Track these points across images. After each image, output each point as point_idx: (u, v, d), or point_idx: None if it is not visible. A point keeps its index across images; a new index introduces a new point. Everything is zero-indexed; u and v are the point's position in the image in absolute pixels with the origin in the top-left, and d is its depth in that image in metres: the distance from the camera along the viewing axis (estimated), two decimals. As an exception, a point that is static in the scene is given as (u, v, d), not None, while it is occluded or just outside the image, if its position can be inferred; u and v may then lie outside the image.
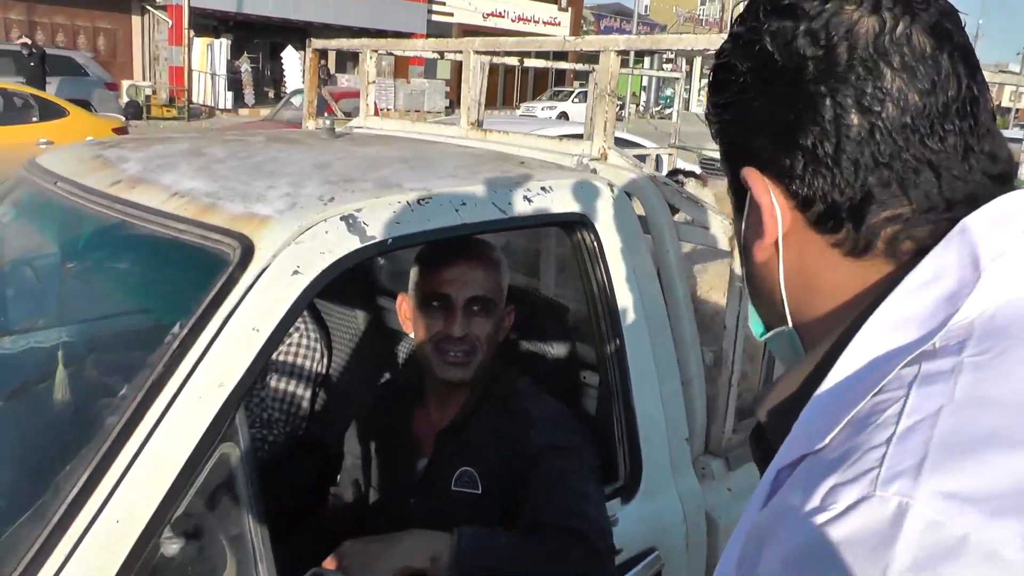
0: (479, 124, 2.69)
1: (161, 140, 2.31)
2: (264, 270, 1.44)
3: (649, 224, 2.15)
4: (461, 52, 2.70)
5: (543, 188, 1.91)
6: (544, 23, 39.32)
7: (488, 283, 1.90)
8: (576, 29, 40.31)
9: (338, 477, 2.20)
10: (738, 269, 2.07)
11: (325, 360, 2.89)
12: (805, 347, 0.81)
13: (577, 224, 1.96)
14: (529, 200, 1.87)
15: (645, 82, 40.32)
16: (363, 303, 2.87)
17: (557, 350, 2.31)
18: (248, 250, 1.46)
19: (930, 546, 0.53)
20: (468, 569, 1.57)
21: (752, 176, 0.77)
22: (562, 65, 5.27)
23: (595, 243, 1.96)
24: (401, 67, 31.19)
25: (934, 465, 0.56)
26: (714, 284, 2.73)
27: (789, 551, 0.59)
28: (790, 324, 0.81)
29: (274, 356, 2.51)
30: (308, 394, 2.83)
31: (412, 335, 1.99)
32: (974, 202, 0.70)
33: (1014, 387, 0.60)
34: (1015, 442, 0.57)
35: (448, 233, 1.71)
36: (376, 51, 3.13)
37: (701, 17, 47.24)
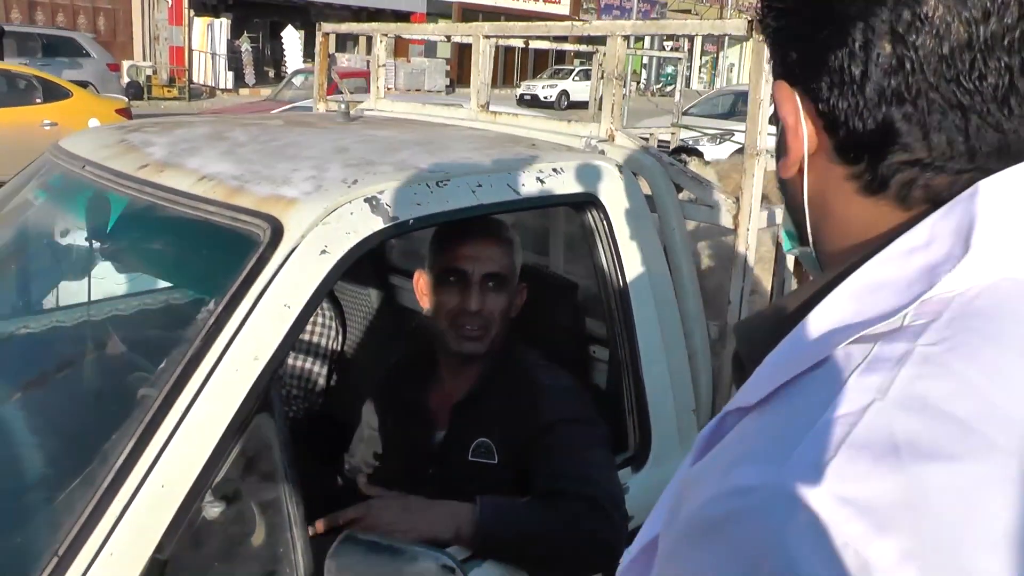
0: (487, 107, 2.76)
1: (181, 124, 2.38)
2: (294, 249, 1.51)
3: (655, 203, 2.22)
4: (470, 36, 2.76)
5: (554, 169, 1.99)
6: (545, 1, 39.19)
7: (503, 260, 1.98)
8: (576, 7, 40.15)
9: (351, 447, 2.28)
10: (741, 248, 2.15)
11: (340, 338, 2.97)
12: (822, 269, 0.77)
13: (587, 204, 2.04)
14: (542, 181, 1.94)
15: (646, 60, 40.21)
16: (376, 282, 2.95)
17: (567, 325, 2.39)
18: (278, 230, 1.54)
19: (813, 547, 0.52)
20: (489, 538, 1.66)
21: (782, 91, 0.73)
22: (565, 46, 5.32)
23: (604, 222, 2.04)
24: (401, 46, 31.10)
25: (839, 467, 0.54)
26: (716, 260, 2.80)
27: (689, 517, 0.60)
28: (811, 245, 0.78)
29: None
30: (324, 371, 2.91)
31: (427, 310, 2.07)
32: (1006, 155, 0.64)
33: (951, 388, 0.57)
34: (925, 454, 0.54)
35: (465, 213, 1.79)
36: (386, 35, 3.19)
37: (702, -7, 47.04)
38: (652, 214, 2.19)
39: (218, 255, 1.70)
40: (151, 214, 1.81)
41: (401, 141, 2.12)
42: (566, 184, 1.99)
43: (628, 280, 2.06)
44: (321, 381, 2.91)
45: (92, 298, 2.00)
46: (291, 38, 27.46)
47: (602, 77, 4.92)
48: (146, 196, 1.79)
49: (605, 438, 1.92)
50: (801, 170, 0.74)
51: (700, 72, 47.16)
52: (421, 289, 2.09)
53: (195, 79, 26.80)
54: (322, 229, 1.55)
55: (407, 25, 4.08)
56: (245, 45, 28.33)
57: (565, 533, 1.70)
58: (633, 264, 2.07)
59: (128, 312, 2.14)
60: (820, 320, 0.65)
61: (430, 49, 32.76)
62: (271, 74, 30.29)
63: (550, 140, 2.36)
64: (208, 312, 1.46)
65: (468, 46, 2.81)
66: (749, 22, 2.00)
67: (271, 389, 1.44)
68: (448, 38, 3.36)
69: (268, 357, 1.43)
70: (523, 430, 1.88)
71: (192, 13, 26.86)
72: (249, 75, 28.14)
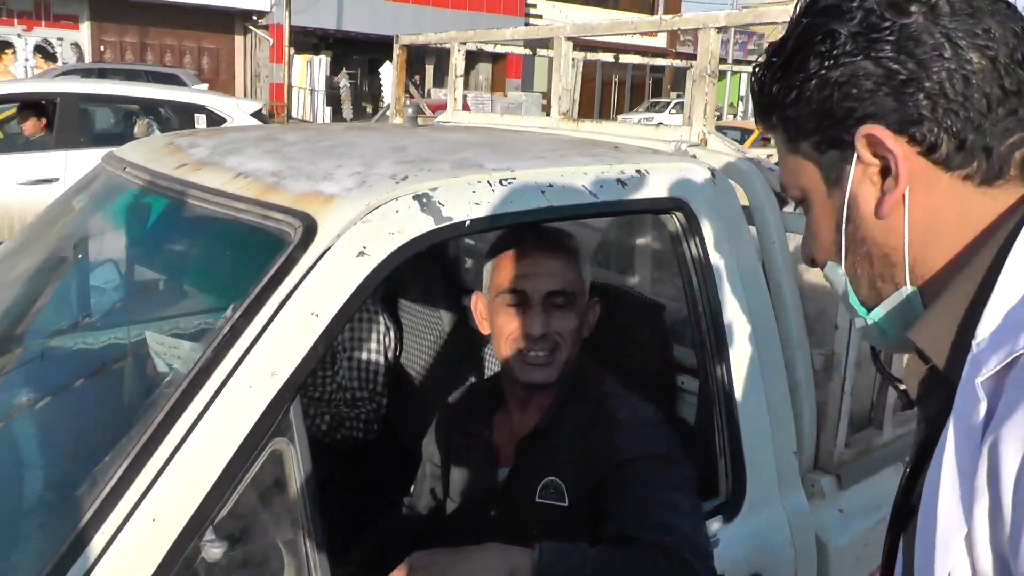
0: (569, 114, 2.54)
1: (236, 129, 2.23)
2: (326, 251, 1.31)
3: (753, 214, 1.96)
4: (551, 40, 2.56)
5: (638, 171, 1.75)
6: (642, 35, 39.11)
7: (568, 274, 1.75)
8: (673, 37, 39.94)
9: (412, 487, 2.08)
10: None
11: (392, 334, 2.79)
12: (926, 302, 0.84)
13: (675, 212, 1.79)
14: (623, 184, 1.70)
15: (743, 91, 39.65)
16: (447, 303, 2.75)
17: (651, 352, 2.12)
18: (310, 229, 1.34)
19: None
20: None
21: (880, 132, 0.80)
22: (659, 61, 5.12)
23: (695, 233, 1.79)
24: (498, 81, 31.35)
25: None
26: (819, 280, 2.52)
27: None
28: (908, 283, 0.84)
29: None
30: (382, 360, 2.73)
31: (488, 336, 1.85)
32: None
33: None
34: None
35: (532, 216, 1.56)
36: (464, 44, 3.01)
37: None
38: (750, 226, 1.93)
39: (243, 257, 1.51)
40: (181, 214, 1.64)
41: (467, 142, 1.91)
42: (651, 188, 1.74)
43: (721, 300, 1.80)
44: (381, 377, 2.77)
45: (117, 307, 1.84)
46: (388, 73, 27.88)
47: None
48: (178, 196, 1.62)
49: (691, 480, 1.66)
50: (899, 205, 0.82)
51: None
52: (480, 313, 1.86)
53: (294, 114, 27.44)
54: (361, 228, 1.34)
55: (484, 32, 3.96)
56: (344, 81, 28.94)
57: None
58: (727, 282, 1.81)
59: (146, 321, 1.97)
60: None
61: (527, 84, 32.99)
62: (368, 109, 30.81)
63: (636, 144, 2.12)
64: (224, 320, 1.26)
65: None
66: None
67: (292, 410, 1.23)
68: (534, 51, 3.16)
69: (289, 373, 1.23)
70: (597, 468, 1.65)
71: (292, 51, 27.53)
72: (347, 110, 28.69)
